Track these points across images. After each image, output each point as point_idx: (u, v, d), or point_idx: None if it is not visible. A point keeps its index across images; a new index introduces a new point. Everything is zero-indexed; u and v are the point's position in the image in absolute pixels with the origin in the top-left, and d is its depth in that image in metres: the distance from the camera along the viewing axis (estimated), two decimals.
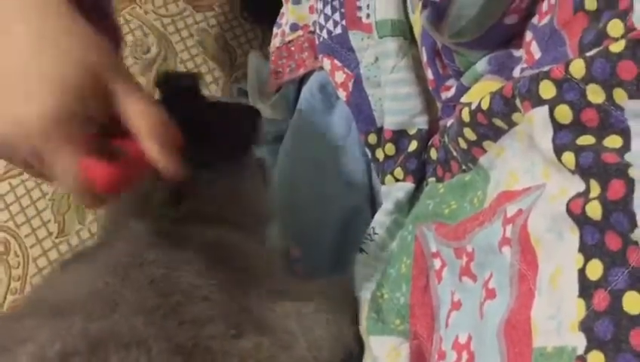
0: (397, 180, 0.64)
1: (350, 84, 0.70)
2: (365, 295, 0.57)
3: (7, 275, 0.92)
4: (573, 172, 0.40)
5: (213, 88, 1.01)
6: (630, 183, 0.36)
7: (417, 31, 0.63)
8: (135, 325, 0.46)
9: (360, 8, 0.70)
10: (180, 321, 0.49)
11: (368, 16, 0.69)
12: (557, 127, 0.41)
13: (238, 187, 0.63)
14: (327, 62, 0.73)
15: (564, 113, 0.41)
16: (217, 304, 0.51)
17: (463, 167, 0.55)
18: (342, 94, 0.71)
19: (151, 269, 0.51)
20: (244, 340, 0.50)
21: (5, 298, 0.91)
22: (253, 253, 0.60)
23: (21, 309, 0.50)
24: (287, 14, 0.85)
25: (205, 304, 0.51)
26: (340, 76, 0.71)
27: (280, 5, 0.88)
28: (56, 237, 0.91)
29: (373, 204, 0.72)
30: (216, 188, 0.60)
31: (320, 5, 0.74)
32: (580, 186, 0.39)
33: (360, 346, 0.58)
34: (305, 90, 0.81)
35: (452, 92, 0.59)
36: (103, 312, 0.47)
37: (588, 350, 0.35)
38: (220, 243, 0.57)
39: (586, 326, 0.36)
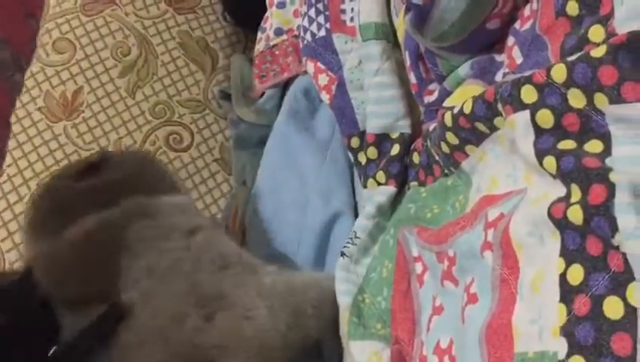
0: (379, 184, 0.63)
1: (333, 87, 0.70)
2: (347, 299, 0.57)
3: None
4: (554, 176, 0.40)
5: (194, 91, 1.00)
6: (611, 188, 0.36)
7: (401, 34, 0.63)
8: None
9: (344, 11, 0.70)
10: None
11: (352, 19, 0.69)
12: (538, 131, 0.41)
13: None
14: (310, 65, 0.72)
15: (545, 118, 0.41)
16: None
17: (445, 171, 0.55)
18: (325, 97, 0.71)
19: None
20: (217, 321, 0.51)
21: None
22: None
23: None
24: (272, 18, 0.84)
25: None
26: (323, 79, 0.71)
27: (261, 8, 0.87)
28: None
29: (356, 208, 0.72)
30: None
31: (304, 8, 0.74)
32: (561, 191, 0.39)
33: (326, 347, 0.58)
34: (289, 94, 0.81)
35: (434, 96, 0.59)
36: None
37: (569, 355, 0.35)
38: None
39: (567, 331, 0.35)
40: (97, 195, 0.62)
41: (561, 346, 0.36)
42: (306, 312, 0.57)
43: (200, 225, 0.61)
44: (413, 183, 0.60)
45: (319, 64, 0.71)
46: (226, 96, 0.96)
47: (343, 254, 0.60)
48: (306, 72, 0.76)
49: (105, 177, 0.64)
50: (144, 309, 0.51)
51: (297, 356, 0.54)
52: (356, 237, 0.61)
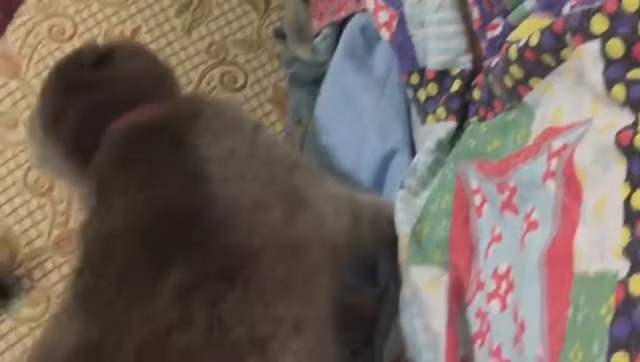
0: (439, 120, 0.64)
1: (394, 24, 0.70)
2: (406, 228, 0.59)
3: (52, 210, 0.96)
4: (622, 105, 0.40)
5: (248, 31, 1.01)
6: None
7: None
8: None
9: None
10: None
11: None
12: (608, 61, 0.42)
13: None
14: (370, 2, 0.73)
15: (615, 47, 0.41)
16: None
17: (507, 106, 0.56)
18: (385, 34, 0.71)
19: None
20: (299, 218, 0.54)
21: (51, 232, 0.96)
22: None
23: None
24: None
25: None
26: (383, 16, 0.71)
27: None
28: None
29: (412, 146, 0.73)
30: None
31: None
32: (629, 119, 0.40)
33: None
34: (345, 33, 0.81)
35: (498, 30, 0.59)
36: None
37: (631, 273, 0.36)
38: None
39: (629, 252, 0.37)
40: (128, 87, 0.64)
41: (622, 266, 0.37)
42: (364, 221, 0.60)
43: (259, 122, 0.63)
44: (473, 119, 0.61)
45: (380, 1, 0.71)
46: (281, 35, 0.97)
47: (402, 186, 0.62)
48: (364, 10, 0.76)
49: (130, 68, 0.65)
50: (224, 189, 0.53)
51: (354, 264, 0.57)
52: (416, 170, 0.62)
